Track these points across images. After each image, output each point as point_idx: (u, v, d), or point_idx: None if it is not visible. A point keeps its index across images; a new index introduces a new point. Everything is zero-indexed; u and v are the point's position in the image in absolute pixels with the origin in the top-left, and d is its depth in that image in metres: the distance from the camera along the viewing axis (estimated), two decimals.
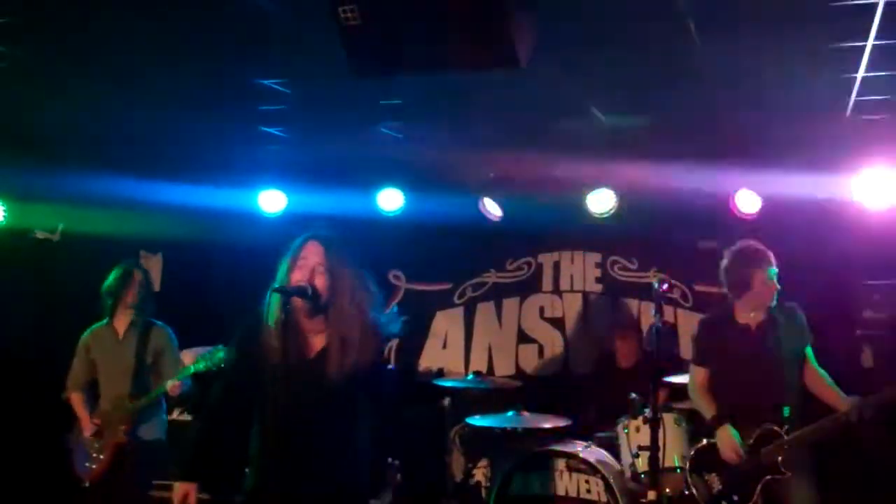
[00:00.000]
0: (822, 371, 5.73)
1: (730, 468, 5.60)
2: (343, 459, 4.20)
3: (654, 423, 5.26)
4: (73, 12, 4.50)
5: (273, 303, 4.18)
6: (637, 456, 6.29)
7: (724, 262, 5.83)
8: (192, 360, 6.29)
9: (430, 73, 3.86)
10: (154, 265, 9.09)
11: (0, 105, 6.30)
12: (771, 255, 5.72)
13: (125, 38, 4.87)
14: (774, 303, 5.71)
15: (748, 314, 5.75)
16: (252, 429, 4.29)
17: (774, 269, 5.69)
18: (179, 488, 4.28)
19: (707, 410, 5.78)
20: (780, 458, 5.47)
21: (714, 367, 5.85)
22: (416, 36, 3.26)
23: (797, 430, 5.49)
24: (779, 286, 5.69)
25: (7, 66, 5.40)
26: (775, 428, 5.51)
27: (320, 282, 4.18)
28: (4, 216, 7.78)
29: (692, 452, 5.85)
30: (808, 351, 5.75)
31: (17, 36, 4.91)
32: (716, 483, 5.68)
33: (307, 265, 4.21)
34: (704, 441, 5.78)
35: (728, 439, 5.59)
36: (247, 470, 4.33)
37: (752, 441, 5.55)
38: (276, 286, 4.18)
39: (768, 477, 5.49)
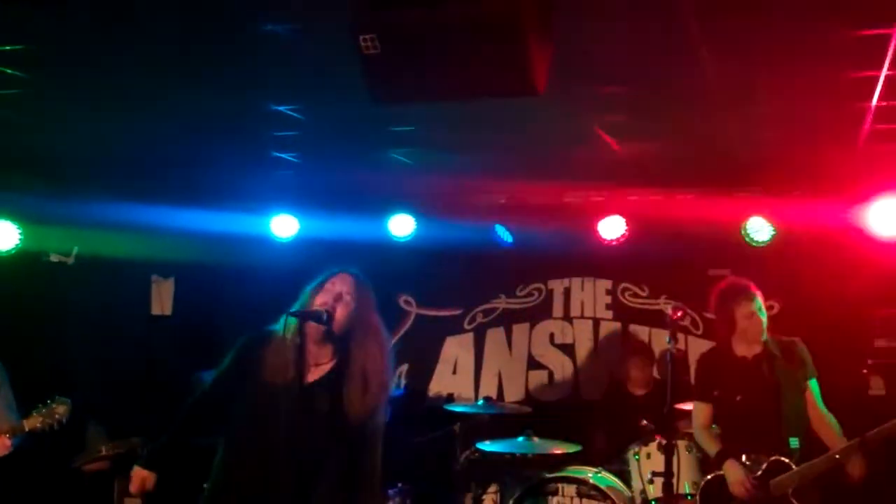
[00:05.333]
0: (825, 410, 5.69)
1: (740, 501, 5.58)
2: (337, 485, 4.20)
3: (669, 450, 5.25)
4: (87, 38, 4.54)
5: (289, 326, 4.19)
6: (651, 482, 6.27)
7: (712, 301, 5.88)
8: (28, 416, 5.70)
9: (448, 100, 3.90)
10: (166, 289, 9.14)
11: (17, 130, 6.34)
12: (752, 287, 5.75)
13: (140, 64, 4.91)
14: (765, 336, 5.72)
15: (744, 348, 5.77)
16: (219, 440, 4.28)
17: (759, 301, 5.72)
18: (137, 473, 4.26)
19: (711, 448, 5.76)
20: (790, 490, 5.45)
21: (717, 402, 5.84)
22: (435, 64, 3.30)
23: (806, 462, 5.48)
24: (764, 318, 5.70)
25: (23, 92, 5.44)
26: (784, 459, 5.49)
27: (341, 311, 4.18)
28: (20, 239, 7.82)
29: (701, 485, 5.82)
30: (813, 384, 5.72)
31: (32, 62, 4.95)
32: None
33: (333, 291, 4.22)
34: (713, 474, 5.75)
35: (735, 474, 5.55)
36: (204, 485, 4.32)
37: (760, 473, 5.52)
38: (294, 310, 4.20)
39: None
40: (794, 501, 5.43)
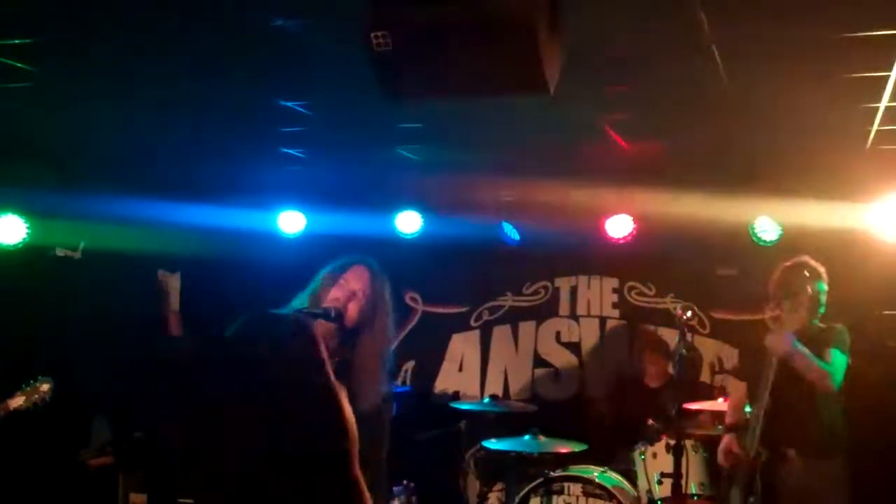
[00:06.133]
0: None
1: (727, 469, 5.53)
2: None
3: (678, 450, 5.23)
4: (95, 32, 4.54)
5: None
6: (660, 483, 6.25)
7: (777, 275, 5.66)
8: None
9: (458, 98, 3.89)
10: (172, 284, 9.11)
11: (24, 123, 6.34)
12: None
13: (148, 59, 4.91)
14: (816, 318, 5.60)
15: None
16: None
17: (824, 286, 5.61)
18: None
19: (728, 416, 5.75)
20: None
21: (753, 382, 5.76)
22: (447, 62, 3.29)
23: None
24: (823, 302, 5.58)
25: (31, 86, 5.44)
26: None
27: (353, 309, 4.07)
28: (27, 233, 7.81)
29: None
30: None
31: (40, 55, 4.94)
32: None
33: (347, 287, 4.09)
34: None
35: (722, 444, 5.53)
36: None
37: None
38: (299, 308, 4.12)
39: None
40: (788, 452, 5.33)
